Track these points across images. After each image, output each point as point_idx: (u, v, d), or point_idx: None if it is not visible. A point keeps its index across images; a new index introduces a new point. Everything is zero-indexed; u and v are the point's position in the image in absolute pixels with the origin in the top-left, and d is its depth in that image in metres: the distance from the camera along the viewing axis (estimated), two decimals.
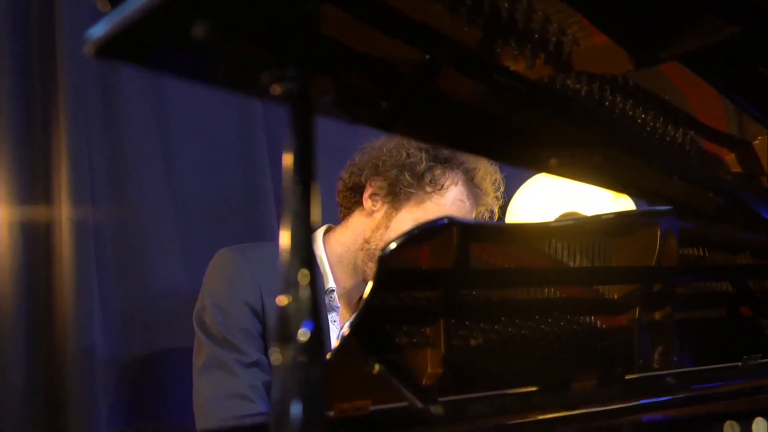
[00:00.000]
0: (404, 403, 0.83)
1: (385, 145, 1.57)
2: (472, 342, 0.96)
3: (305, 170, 0.49)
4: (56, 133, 1.71)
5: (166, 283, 1.87)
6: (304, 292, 0.47)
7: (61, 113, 1.70)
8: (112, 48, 0.49)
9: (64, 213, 1.69)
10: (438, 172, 1.53)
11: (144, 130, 1.87)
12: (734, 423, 0.43)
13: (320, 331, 0.47)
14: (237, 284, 1.47)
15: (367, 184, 1.57)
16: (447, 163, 1.54)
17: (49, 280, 1.71)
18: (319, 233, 1.65)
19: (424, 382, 0.91)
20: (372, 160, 1.57)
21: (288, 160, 0.49)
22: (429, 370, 0.92)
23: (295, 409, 0.48)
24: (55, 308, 1.71)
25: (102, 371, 1.73)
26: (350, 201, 1.62)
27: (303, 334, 0.47)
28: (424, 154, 1.53)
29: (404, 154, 1.53)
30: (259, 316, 1.46)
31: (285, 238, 0.48)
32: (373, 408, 0.83)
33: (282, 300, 0.48)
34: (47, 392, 1.69)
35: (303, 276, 0.47)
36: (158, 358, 1.85)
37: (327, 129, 2.04)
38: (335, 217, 2.15)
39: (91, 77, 1.79)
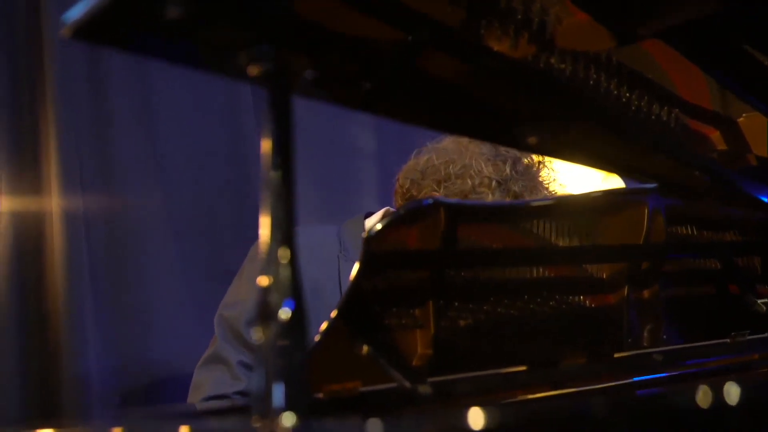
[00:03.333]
0: (393, 384, 0.84)
1: (452, 162, 1.40)
2: (462, 323, 0.96)
3: (284, 148, 0.49)
4: (44, 123, 1.71)
5: (159, 272, 1.87)
6: (285, 271, 0.47)
7: (49, 102, 1.70)
8: (89, 31, 0.49)
9: (54, 203, 1.68)
10: None
11: (133, 120, 1.87)
12: (707, 387, 0.44)
13: (301, 309, 0.47)
14: None
15: None
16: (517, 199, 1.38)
17: (40, 270, 1.71)
18: (378, 216, 1.52)
19: (414, 363, 0.91)
20: (434, 177, 1.41)
21: (267, 138, 0.49)
22: (419, 351, 0.92)
23: (278, 390, 0.48)
24: (47, 298, 1.71)
25: (94, 358, 1.73)
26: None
27: (284, 312, 0.47)
28: (494, 185, 1.37)
29: (469, 185, 1.38)
30: None
31: (265, 216, 0.48)
32: (362, 389, 0.84)
33: (263, 280, 0.48)
34: (40, 382, 1.69)
35: (283, 254, 0.47)
36: (152, 346, 1.85)
37: (313, 116, 2.04)
38: (323, 209, 2.16)
39: (80, 66, 1.78)
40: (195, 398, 1.41)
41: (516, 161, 1.40)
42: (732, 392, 0.47)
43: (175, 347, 1.84)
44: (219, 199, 1.99)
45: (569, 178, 1.52)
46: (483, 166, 1.38)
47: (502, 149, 1.40)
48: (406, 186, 1.45)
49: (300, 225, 1.59)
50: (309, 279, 1.41)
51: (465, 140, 1.43)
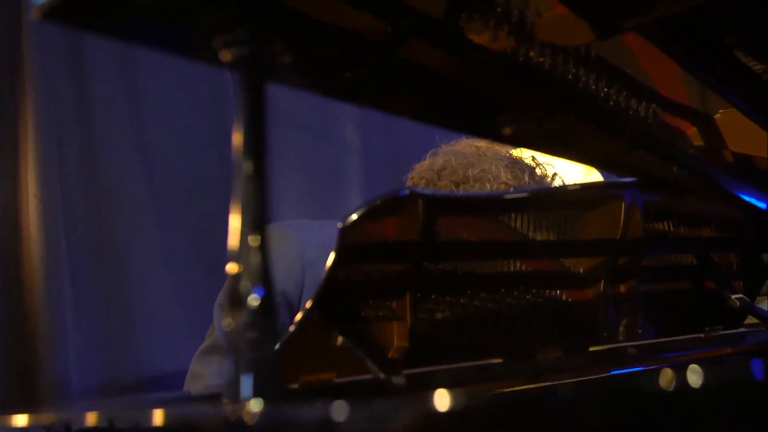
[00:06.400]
0: (368, 376, 0.84)
1: (471, 165, 1.40)
2: (439, 315, 0.96)
3: (257, 134, 0.48)
4: (22, 108, 1.68)
5: (142, 264, 1.85)
6: (255, 257, 0.47)
7: (28, 88, 1.68)
8: (58, 13, 0.48)
9: (30, 191, 1.66)
10: None
11: (116, 107, 1.85)
12: (669, 370, 0.45)
13: (271, 297, 0.47)
14: (277, 269, 1.31)
15: None
16: None
17: (17, 262, 1.69)
18: None
19: (390, 356, 0.91)
20: (452, 179, 1.40)
21: (240, 124, 0.48)
22: (395, 343, 0.92)
23: (247, 377, 0.48)
24: (23, 291, 1.69)
25: (74, 353, 1.71)
26: None
27: (253, 299, 0.47)
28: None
29: (488, 188, 1.37)
30: (294, 310, 1.35)
31: (236, 202, 0.48)
32: (337, 380, 0.84)
33: (232, 268, 0.48)
34: (17, 379, 1.67)
35: (253, 240, 0.46)
36: (135, 340, 1.83)
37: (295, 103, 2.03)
38: (307, 203, 2.15)
39: (60, 50, 1.77)
40: (192, 389, 1.40)
41: (532, 171, 1.41)
42: (694, 376, 0.48)
43: (159, 341, 1.82)
44: (205, 188, 1.97)
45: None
46: (502, 171, 1.38)
47: (519, 158, 1.42)
48: (421, 185, 1.43)
49: (311, 221, 1.57)
50: (318, 276, 1.39)
51: (483, 145, 1.43)
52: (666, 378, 0.46)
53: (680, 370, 0.50)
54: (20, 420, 0.68)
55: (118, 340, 1.80)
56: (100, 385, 1.76)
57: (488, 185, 1.37)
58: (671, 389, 0.47)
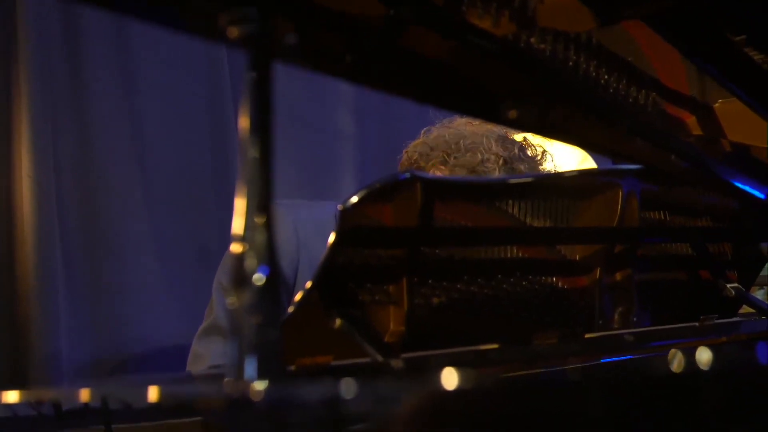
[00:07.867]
0: (366, 359, 0.84)
1: (463, 137, 1.44)
2: (435, 300, 0.96)
3: (263, 114, 0.48)
4: (16, 92, 1.67)
5: (133, 248, 1.85)
6: (260, 236, 0.46)
7: (22, 71, 1.66)
8: None
9: (24, 175, 1.66)
10: None
11: (111, 91, 1.83)
12: (678, 351, 0.45)
13: (275, 276, 0.47)
14: None
15: (431, 172, 1.45)
16: None
17: (10, 245, 1.68)
18: None
19: (386, 340, 0.91)
20: (444, 148, 1.45)
21: (246, 103, 0.48)
22: (392, 327, 0.92)
23: (251, 355, 0.48)
24: (16, 274, 1.68)
25: (66, 336, 1.71)
26: None
27: (258, 279, 0.47)
28: (501, 162, 1.41)
29: (478, 158, 1.41)
30: (289, 288, 1.36)
31: (242, 181, 0.48)
32: (335, 363, 0.84)
33: (237, 247, 0.47)
34: (8, 360, 1.66)
35: (259, 219, 0.46)
36: (125, 323, 1.83)
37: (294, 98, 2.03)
38: (301, 189, 2.15)
39: (55, 32, 1.75)
40: (195, 369, 1.39)
41: (522, 147, 1.46)
42: (703, 358, 0.48)
43: (149, 324, 1.82)
44: (197, 174, 1.97)
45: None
46: (493, 143, 1.43)
47: (510, 134, 1.46)
48: (414, 158, 1.48)
49: (303, 201, 1.58)
50: (313, 254, 1.38)
51: (476, 121, 1.47)
52: (676, 360, 0.47)
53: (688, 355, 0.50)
54: (10, 397, 0.68)
55: (108, 320, 1.80)
56: (91, 364, 1.76)
57: (479, 155, 1.42)
58: (680, 371, 0.47)
